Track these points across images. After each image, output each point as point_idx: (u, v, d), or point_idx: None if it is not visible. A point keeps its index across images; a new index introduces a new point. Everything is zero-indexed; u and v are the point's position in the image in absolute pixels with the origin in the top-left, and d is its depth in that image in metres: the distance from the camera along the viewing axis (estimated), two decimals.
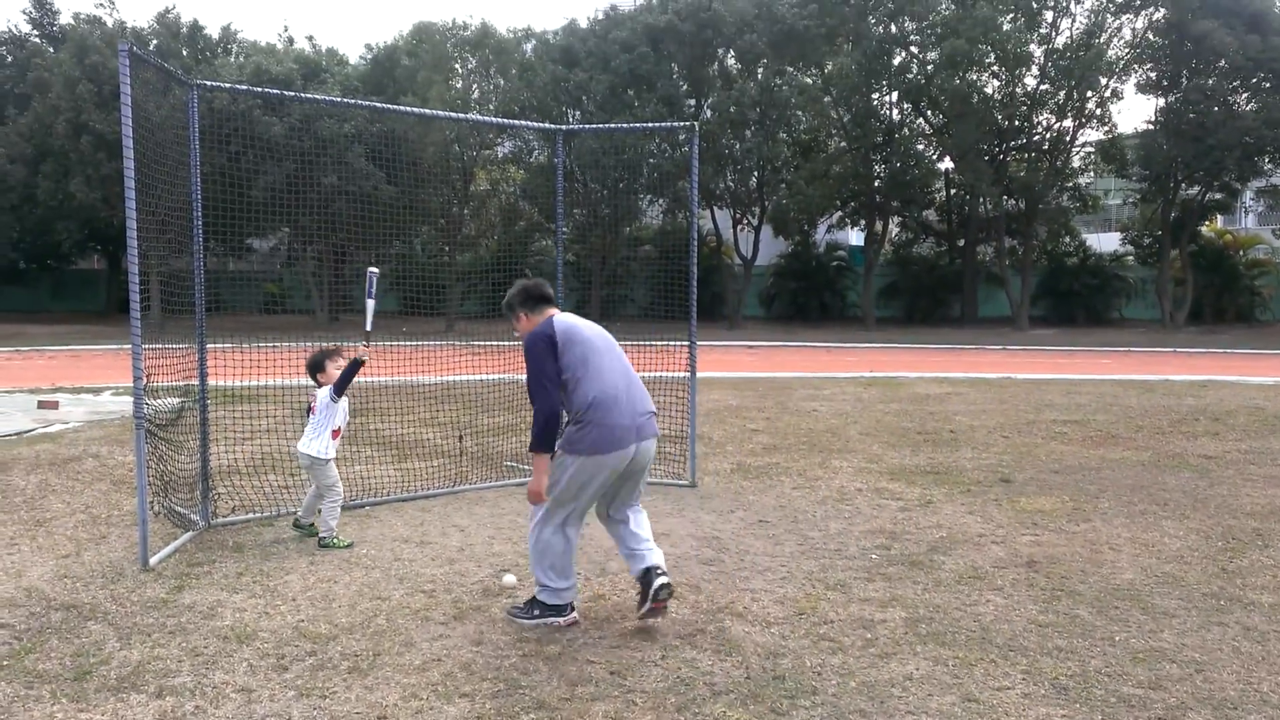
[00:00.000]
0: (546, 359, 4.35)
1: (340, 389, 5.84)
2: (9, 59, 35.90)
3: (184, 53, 33.46)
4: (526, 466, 8.21)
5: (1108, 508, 6.90)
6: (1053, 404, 12.66)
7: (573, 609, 4.56)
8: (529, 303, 4.63)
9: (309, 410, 5.96)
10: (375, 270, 6.10)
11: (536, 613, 4.52)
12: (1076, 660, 4.13)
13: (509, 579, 5.10)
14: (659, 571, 4.43)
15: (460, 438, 8.78)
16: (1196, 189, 34.47)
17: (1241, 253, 37.95)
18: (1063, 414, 11.68)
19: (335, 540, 5.79)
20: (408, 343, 10.09)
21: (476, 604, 4.80)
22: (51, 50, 34.33)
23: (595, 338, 4.52)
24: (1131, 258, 38.56)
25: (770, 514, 6.72)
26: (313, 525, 6.00)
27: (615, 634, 4.41)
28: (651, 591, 4.37)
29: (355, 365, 5.84)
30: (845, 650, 4.23)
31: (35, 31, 37.60)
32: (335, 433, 5.90)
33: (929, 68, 32.50)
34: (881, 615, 4.66)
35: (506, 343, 10.28)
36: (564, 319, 4.53)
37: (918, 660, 4.12)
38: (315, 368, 5.95)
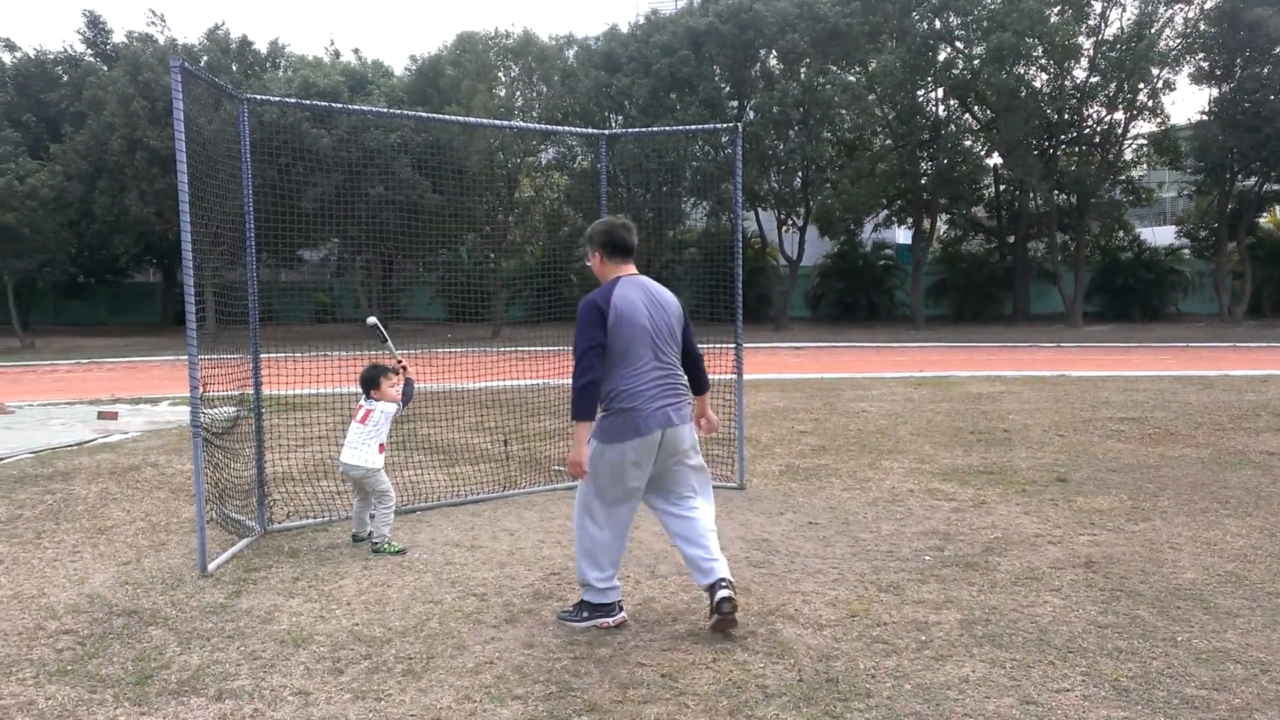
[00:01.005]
0: (594, 327, 4.33)
1: (405, 404, 6.16)
2: (65, 78, 36.76)
3: (234, 68, 34.02)
4: None
5: (1167, 506, 6.76)
6: (1109, 401, 12.42)
7: (620, 609, 4.55)
8: (609, 248, 4.56)
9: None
10: (373, 320, 6.49)
11: (585, 615, 4.53)
12: (1138, 661, 4.05)
13: None
14: (723, 584, 4.37)
15: (505, 442, 8.83)
16: (1253, 180, 33.63)
17: None
18: (1120, 411, 11.46)
19: (387, 546, 5.85)
20: (455, 349, 10.18)
21: (528, 607, 4.82)
22: (105, 69, 35.07)
23: (646, 324, 4.42)
24: (1188, 251, 37.74)
25: (820, 516, 6.67)
26: (371, 535, 6.06)
27: (666, 636, 4.40)
28: (714, 602, 4.35)
29: (410, 385, 6.21)
30: (899, 652, 4.18)
31: (89, 51, 38.45)
32: (383, 447, 5.99)
33: (975, 63, 32.06)
34: (936, 617, 4.60)
35: (552, 348, 10.32)
36: (626, 294, 4.42)
37: (974, 662, 4.07)
38: (370, 383, 6.03)
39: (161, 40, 34.33)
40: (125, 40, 35.12)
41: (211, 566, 5.47)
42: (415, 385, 6.29)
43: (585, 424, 4.32)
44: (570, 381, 4.34)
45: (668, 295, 4.60)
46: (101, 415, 12.06)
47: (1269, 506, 6.69)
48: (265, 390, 6.60)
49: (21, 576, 5.46)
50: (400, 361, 6.21)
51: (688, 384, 4.71)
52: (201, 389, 5.48)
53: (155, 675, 4.05)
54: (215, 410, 6.02)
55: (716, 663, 4.10)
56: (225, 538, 6.08)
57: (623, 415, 4.38)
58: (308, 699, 3.81)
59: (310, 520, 6.63)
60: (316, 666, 4.12)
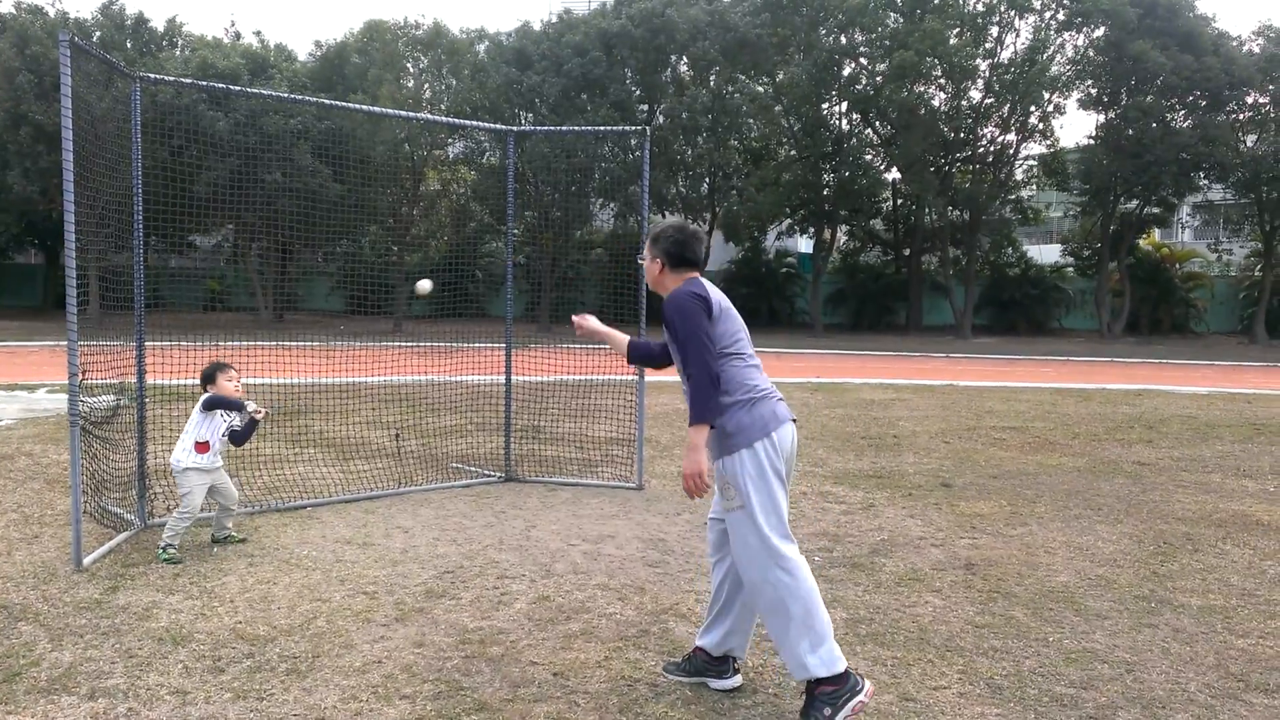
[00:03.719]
0: (702, 318, 3.69)
1: (240, 440, 5.76)
2: None
3: (128, 45, 32.77)
4: (473, 468, 8.18)
5: (1044, 512, 7.05)
6: (993, 411, 12.89)
7: (860, 676, 3.59)
8: (674, 259, 3.94)
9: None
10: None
11: (828, 712, 3.49)
12: (1011, 660, 4.22)
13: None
14: (735, 667, 3.94)
15: (396, 436, 8.70)
16: (1135, 203, 35.41)
17: (1177, 266, 39.01)
18: (1003, 420, 11.90)
19: (163, 552, 5.42)
20: (353, 343, 9.99)
21: (419, 606, 4.76)
22: None
23: (738, 317, 3.90)
24: (1071, 269, 39.52)
25: None
26: (229, 535, 5.83)
27: (559, 635, 4.41)
28: (722, 683, 3.90)
29: (253, 425, 5.78)
30: None
31: None
32: (202, 446, 5.59)
33: (878, 79, 32.95)
34: None
35: (454, 343, 10.21)
36: (712, 287, 3.89)
37: (857, 660, 4.18)
38: (206, 379, 5.75)
39: (52, 13, 32.84)
40: (13, 11, 33.45)
41: (87, 561, 5.25)
42: (256, 427, 5.83)
43: (704, 429, 3.63)
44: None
45: None
46: None
47: (1138, 514, 7.04)
48: (149, 379, 6.37)
49: None
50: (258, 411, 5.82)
51: None
52: (81, 376, 5.26)
53: (24, 673, 3.87)
54: (95, 399, 5.78)
55: (608, 661, 4.12)
56: (102, 532, 5.85)
57: (758, 403, 3.67)
58: (185, 698, 3.69)
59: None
60: (196, 665, 4.00)
